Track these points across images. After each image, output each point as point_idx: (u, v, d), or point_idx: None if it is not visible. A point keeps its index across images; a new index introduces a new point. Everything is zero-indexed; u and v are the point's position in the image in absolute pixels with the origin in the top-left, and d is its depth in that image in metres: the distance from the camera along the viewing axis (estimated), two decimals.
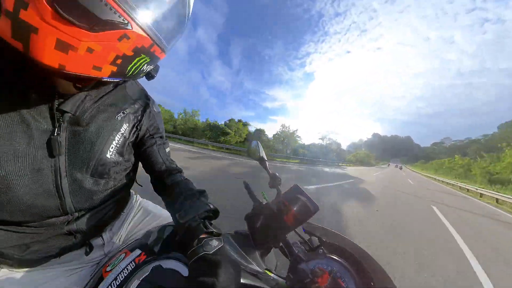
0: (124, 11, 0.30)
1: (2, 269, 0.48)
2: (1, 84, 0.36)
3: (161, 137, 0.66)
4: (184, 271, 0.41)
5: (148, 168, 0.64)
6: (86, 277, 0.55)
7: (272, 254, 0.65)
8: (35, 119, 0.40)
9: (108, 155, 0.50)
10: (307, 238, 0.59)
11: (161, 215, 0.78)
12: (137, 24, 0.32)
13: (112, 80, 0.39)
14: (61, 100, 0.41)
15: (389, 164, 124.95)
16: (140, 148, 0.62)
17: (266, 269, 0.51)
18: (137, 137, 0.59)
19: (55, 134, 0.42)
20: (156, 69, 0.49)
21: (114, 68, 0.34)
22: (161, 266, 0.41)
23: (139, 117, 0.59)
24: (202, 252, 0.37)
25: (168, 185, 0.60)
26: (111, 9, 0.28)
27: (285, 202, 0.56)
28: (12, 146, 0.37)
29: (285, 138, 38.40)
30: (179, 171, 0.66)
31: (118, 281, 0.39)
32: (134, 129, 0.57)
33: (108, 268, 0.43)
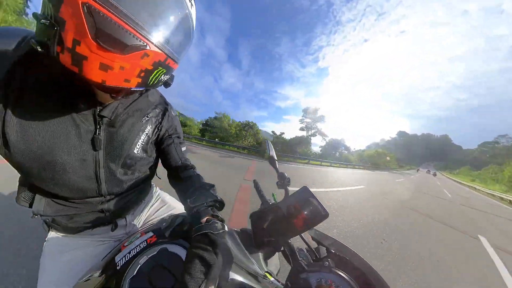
0: (143, 36, 0.38)
1: (51, 232, 0.66)
2: (58, 97, 0.49)
3: (178, 137, 0.76)
4: (182, 253, 0.44)
5: (166, 163, 0.73)
6: (108, 249, 0.66)
7: (277, 257, 0.64)
8: (83, 122, 0.51)
9: (135, 151, 0.61)
10: (314, 247, 0.56)
11: (175, 206, 0.90)
12: (153, 44, 0.40)
13: (138, 89, 0.47)
14: (101, 107, 0.52)
15: (418, 170, 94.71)
16: (160, 146, 0.72)
17: (267, 272, 0.50)
18: (158, 136, 0.70)
19: (97, 134, 0.53)
20: (172, 78, 0.56)
21: (139, 80, 0.43)
22: (167, 249, 0.45)
23: (160, 119, 0.69)
24: (207, 229, 0.42)
25: (182, 178, 0.68)
26: (133, 36, 0.36)
27: (295, 204, 0.54)
28: (67, 142, 0.50)
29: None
30: (192, 167, 0.74)
31: (131, 255, 0.45)
32: (156, 129, 0.68)
33: (126, 244, 0.51)
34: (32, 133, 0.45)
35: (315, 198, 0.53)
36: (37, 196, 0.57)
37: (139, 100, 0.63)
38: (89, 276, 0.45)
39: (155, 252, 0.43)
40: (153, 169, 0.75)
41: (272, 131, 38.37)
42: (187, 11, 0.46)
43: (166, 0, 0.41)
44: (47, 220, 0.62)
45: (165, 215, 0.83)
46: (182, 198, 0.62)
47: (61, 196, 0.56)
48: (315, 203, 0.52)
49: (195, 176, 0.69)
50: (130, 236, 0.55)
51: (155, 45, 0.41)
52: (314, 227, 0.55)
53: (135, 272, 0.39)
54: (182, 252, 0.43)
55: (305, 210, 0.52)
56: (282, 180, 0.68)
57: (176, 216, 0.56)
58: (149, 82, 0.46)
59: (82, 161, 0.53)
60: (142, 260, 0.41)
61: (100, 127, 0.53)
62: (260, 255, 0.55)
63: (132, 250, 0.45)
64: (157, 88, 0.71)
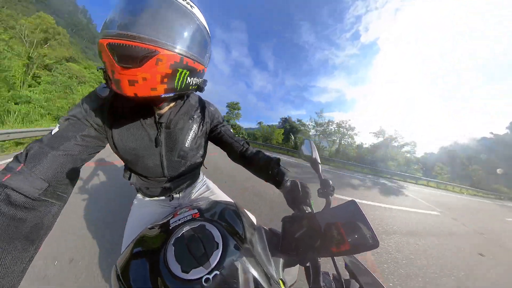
0: (149, 44, 0.42)
1: (138, 195, 0.98)
2: (133, 115, 0.66)
3: (223, 125, 0.91)
4: (216, 234, 0.49)
5: (225, 147, 0.91)
6: (167, 212, 0.91)
7: (296, 269, 0.60)
8: (150, 128, 0.70)
9: (186, 145, 0.79)
10: (344, 278, 0.52)
11: (216, 192, 1.10)
12: (162, 48, 0.44)
13: (168, 95, 0.51)
14: (158, 116, 0.70)
15: None
16: (214, 137, 0.90)
17: (281, 279, 0.49)
18: (205, 131, 0.85)
19: (158, 135, 0.71)
20: (204, 82, 0.65)
21: (165, 86, 0.48)
22: (205, 226, 0.51)
23: (201, 117, 0.83)
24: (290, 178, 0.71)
25: (248, 157, 0.86)
26: (141, 48, 0.41)
27: (337, 222, 0.47)
28: (143, 142, 0.71)
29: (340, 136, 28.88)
30: (248, 143, 0.92)
31: (180, 221, 0.55)
32: (200, 126, 0.83)
33: (178, 212, 0.61)
34: (125, 139, 0.67)
35: (365, 219, 0.44)
36: (132, 174, 0.87)
37: (184, 106, 0.78)
38: (153, 226, 0.58)
39: (196, 226, 0.51)
40: (201, 160, 0.94)
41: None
42: (186, 11, 0.50)
43: (162, 8, 0.45)
44: (136, 187, 0.94)
45: (208, 198, 1.03)
46: (255, 167, 0.84)
47: (142, 175, 0.84)
48: (364, 227, 0.43)
49: (260, 152, 0.87)
50: (181, 208, 0.66)
51: (164, 48, 0.44)
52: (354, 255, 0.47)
53: (179, 235, 0.48)
54: (214, 231, 0.50)
55: (348, 232, 0.44)
56: (325, 187, 0.62)
57: (217, 202, 0.66)
58: (177, 86, 0.51)
59: (151, 154, 0.75)
60: (186, 228, 0.50)
61: (160, 130, 0.71)
62: (281, 261, 0.53)
63: (181, 218, 0.56)
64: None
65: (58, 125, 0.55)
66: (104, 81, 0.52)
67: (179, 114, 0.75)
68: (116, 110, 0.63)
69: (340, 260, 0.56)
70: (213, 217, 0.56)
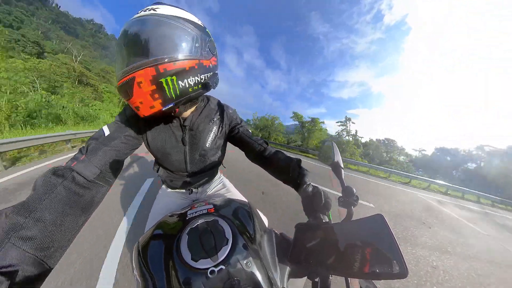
0: (125, 76, 0.51)
1: (163, 185, 1.11)
2: (162, 120, 0.77)
3: (241, 126, 0.94)
4: (227, 230, 0.51)
5: (244, 147, 0.94)
6: (186, 203, 1.03)
7: (303, 281, 0.58)
8: (176, 130, 0.80)
9: (207, 145, 0.86)
10: None
11: (232, 191, 1.15)
12: (135, 72, 0.49)
13: (169, 106, 0.56)
14: (182, 120, 0.79)
15: None
16: (232, 137, 0.94)
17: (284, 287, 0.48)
18: (224, 132, 0.91)
19: (183, 136, 0.81)
20: (212, 79, 0.64)
21: (160, 100, 0.53)
22: (218, 221, 0.53)
23: (221, 119, 0.90)
24: (309, 183, 0.67)
25: (267, 157, 0.86)
26: (124, 83, 0.51)
27: (359, 241, 0.41)
28: (171, 142, 0.81)
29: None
30: (267, 143, 0.92)
31: (196, 214, 0.59)
32: (220, 128, 0.90)
33: (196, 205, 0.65)
34: (156, 139, 0.79)
35: (394, 240, 0.37)
36: (160, 168, 0.97)
37: (205, 110, 0.86)
38: (172, 214, 0.64)
39: (210, 220, 0.54)
40: (219, 159, 1.01)
41: (337, 132, 29.58)
42: (144, 20, 0.50)
43: (136, 38, 0.50)
44: (162, 179, 1.05)
45: (224, 196, 1.09)
46: (275, 169, 0.84)
47: (168, 169, 0.94)
48: (391, 249, 0.36)
49: (279, 152, 0.87)
50: (198, 201, 0.71)
51: (136, 71, 0.49)
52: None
53: (194, 226, 0.52)
54: (227, 228, 0.52)
55: (370, 253, 0.38)
56: (347, 196, 0.56)
57: (232, 200, 0.70)
58: (171, 95, 0.54)
59: (178, 152, 0.85)
60: (200, 221, 0.53)
61: (185, 132, 0.81)
62: (288, 269, 0.51)
63: (197, 211, 0.60)
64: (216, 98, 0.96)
65: (108, 127, 0.67)
66: None
67: (201, 117, 0.84)
68: (149, 117, 0.75)
69: (354, 281, 0.51)
70: (226, 214, 0.58)
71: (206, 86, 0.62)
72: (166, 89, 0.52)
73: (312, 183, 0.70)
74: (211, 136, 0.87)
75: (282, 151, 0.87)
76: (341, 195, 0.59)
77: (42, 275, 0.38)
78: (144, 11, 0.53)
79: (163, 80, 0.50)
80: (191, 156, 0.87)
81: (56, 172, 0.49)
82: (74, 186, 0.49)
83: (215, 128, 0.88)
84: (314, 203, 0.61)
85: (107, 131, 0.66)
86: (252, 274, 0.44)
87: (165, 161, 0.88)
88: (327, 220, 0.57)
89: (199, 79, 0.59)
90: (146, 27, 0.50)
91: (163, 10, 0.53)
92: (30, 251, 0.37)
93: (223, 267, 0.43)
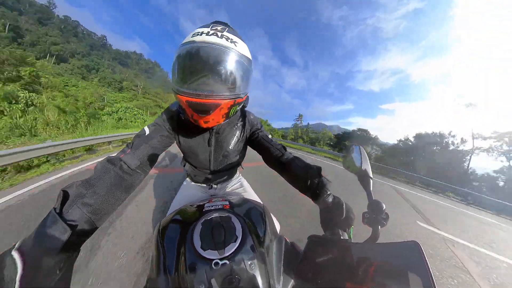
0: (214, 100, 0.62)
1: (187, 178, 1.25)
2: (192, 124, 0.80)
3: (260, 131, 1.00)
4: (238, 228, 0.53)
5: (262, 151, 0.98)
6: (204, 197, 1.13)
7: None
8: (204, 133, 0.89)
9: (230, 147, 0.95)
10: None
11: (248, 191, 1.23)
12: (222, 100, 0.63)
13: (225, 121, 0.77)
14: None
15: None
16: (252, 141, 1.01)
17: None
18: (246, 136, 0.99)
19: (210, 138, 0.90)
20: (246, 101, 0.81)
21: (224, 118, 0.72)
22: (231, 218, 0.56)
23: (243, 124, 0.98)
24: (329, 193, 0.65)
25: (285, 162, 0.87)
26: (210, 104, 0.62)
27: (381, 266, 0.35)
28: (198, 142, 0.91)
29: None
30: (285, 148, 0.93)
31: (212, 207, 0.63)
32: (242, 132, 0.98)
33: (213, 200, 0.69)
34: (186, 140, 0.91)
35: (429, 274, 0.30)
36: (187, 163, 1.12)
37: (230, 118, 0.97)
38: (192, 204, 0.70)
39: (223, 215, 0.57)
40: (239, 160, 1.11)
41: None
42: (234, 56, 0.61)
43: (217, 65, 0.59)
44: (187, 173, 1.19)
45: (240, 195, 1.18)
46: (292, 177, 0.83)
47: (193, 165, 1.06)
48: (425, 285, 0.29)
49: (297, 158, 0.86)
50: (216, 197, 0.78)
51: (223, 100, 0.63)
52: None
53: (208, 218, 0.56)
54: (238, 226, 0.53)
55: (396, 285, 0.32)
56: (374, 212, 0.48)
57: (247, 200, 0.73)
58: (231, 115, 0.74)
59: (204, 152, 0.95)
60: (215, 214, 0.57)
61: (211, 135, 0.90)
62: (291, 282, 0.49)
63: (214, 205, 0.64)
64: None
65: (148, 127, 0.82)
66: (174, 101, 0.84)
67: (226, 123, 0.93)
68: (181, 119, 0.88)
69: None
70: (240, 212, 0.61)
71: (244, 106, 0.83)
72: (231, 112, 0.72)
73: (333, 194, 0.67)
74: (234, 139, 0.95)
75: (301, 158, 0.84)
76: (366, 210, 0.51)
77: (91, 231, 0.52)
78: (226, 38, 0.61)
79: (235, 107, 0.70)
80: (215, 157, 0.97)
81: (110, 160, 0.64)
82: (121, 172, 0.64)
83: (238, 133, 0.96)
84: (333, 216, 0.56)
85: (147, 131, 0.80)
86: (254, 277, 0.44)
87: (191, 159, 1.00)
88: (347, 237, 0.52)
89: (241, 105, 0.78)
90: (236, 65, 0.62)
91: (240, 47, 0.64)
92: (87, 213, 0.50)
93: (227, 262, 0.44)
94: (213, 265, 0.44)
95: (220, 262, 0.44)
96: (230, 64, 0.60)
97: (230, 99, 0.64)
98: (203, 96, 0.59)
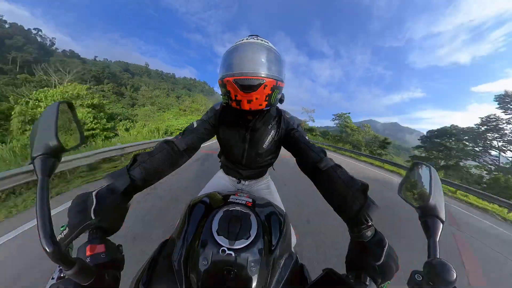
0: (259, 77, 0.68)
1: (220, 169, 1.34)
2: (232, 120, 0.95)
3: (296, 130, 0.97)
4: (254, 228, 0.55)
5: (297, 153, 0.91)
6: (232, 188, 1.23)
7: None
8: (241, 129, 0.96)
9: (264, 146, 0.99)
10: None
11: (274, 195, 1.23)
12: (266, 78, 0.69)
13: (266, 108, 0.80)
14: (248, 122, 0.94)
15: None
16: (287, 141, 0.99)
17: None
18: (280, 136, 1.00)
19: (246, 135, 0.97)
20: (283, 96, 0.87)
21: (266, 102, 0.75)
22: (250, 216, 0.57)
23: (278, 124, 0.99)
24: (370, 224, 0.51)
25: (322, 171, 0.72)
26: (255, 79, 0.68)
27: None
28: (235, 138, 0.99)
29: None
30: (325, 153, 0.79)
31: (236, 201, 0.66)
32: (277, 132, 0.99)
33: (239, 194, 0.74)
34: (225, 134, 1.00)
35: None
36: (223, 156, 1.21)
37: (267, 115, 0.98)
38: (220, 192, 0.77)
39: (244, 211, 0.59)
40: (271, 161, 1.15)
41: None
42: (270, 49, 0.74)
43: (257, 53, 0.71)
44: (222, 164, 1.30)
45: (264, 196, 1.17)
46: (328, 198, 0.68)
47: (228, 158, 1.15)
48: None
49: (339, 169, 0.70)
50: (242, 192, 0.83)
51: (267, 78, 0.70)
52: None
53: (230, 209, 0.59)
54: (254, 225, 0.55)
55: None
56: (432, 278, 0.33)
57: (270, 203, 0.74)
58: (272, 101, 0.78)
59: (239, 147, 1.02)
60: (237, 208, 0.60)
61: (248, 131, 0.96)
62: None
63: (238, 199, 0.69)
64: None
65: (196, 122, 0.97)
66: (223, 99, 0.90)
67: (262, 121, 0.97)
68: (222, 117, 0.99)
69: None
70: (260, 214, 0.62)
71: (281, 100, 0.88)
72: (273, 96, 0.76)
73: (376, 227, 0.53)
74: (269, 139, 0.98)
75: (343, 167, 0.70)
76: (421, 270, 0.36)
77: (142, 187, 0.67)
78: (261, 40, 0.77)
79: (276, 90, 0.75)
80: (248, 153, 1.02)
81: (166, 141, 0.81)
82: (172, 152, 0.79)
83: (272, 132, 0.98)
84: (367, 256, 0.45)
85: (195, 124, 0.96)
86: (249, 280, 0.44)
87: (227, 152, 1.09)
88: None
89: (280, 95, 0.83)
90: (271, 54, 0.74)
91: (272, 46, 0.79)
92: (143, 174, 0.66)
93: (233, 254, 0.47)
94: (220, 251, 0.47)
95: (227, 251, 0.47)
96: (269, 54, 0.73)
97: (272, 78, 0.71)
98: (249, 74, 0.68)
